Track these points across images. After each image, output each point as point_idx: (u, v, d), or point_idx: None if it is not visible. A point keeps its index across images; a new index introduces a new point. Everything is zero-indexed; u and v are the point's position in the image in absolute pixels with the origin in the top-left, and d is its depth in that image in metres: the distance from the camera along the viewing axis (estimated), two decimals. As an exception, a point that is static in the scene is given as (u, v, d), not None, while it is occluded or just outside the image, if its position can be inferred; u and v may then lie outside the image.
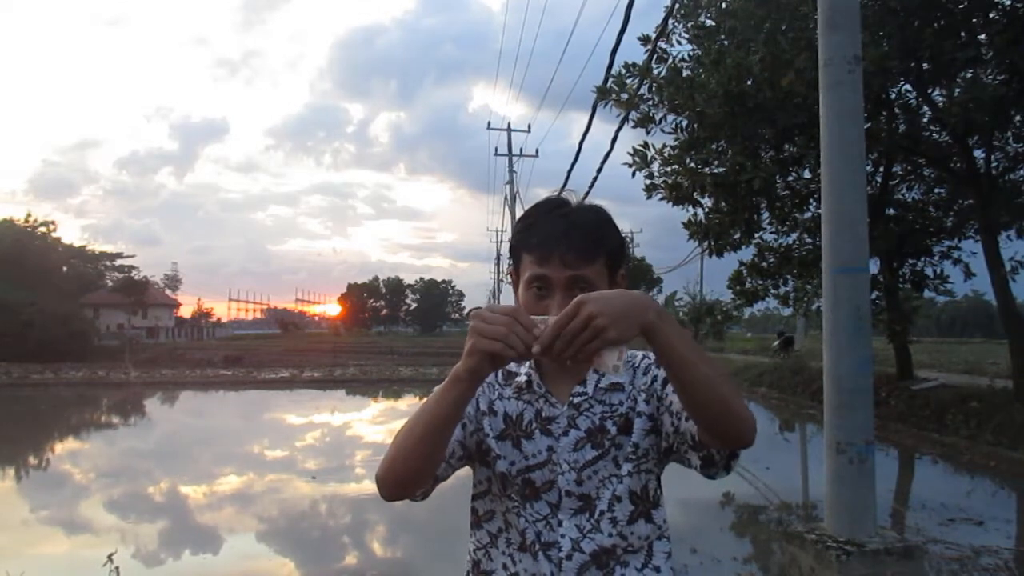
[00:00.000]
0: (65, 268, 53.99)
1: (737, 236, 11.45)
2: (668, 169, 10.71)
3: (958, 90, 8.95)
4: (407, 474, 1.17)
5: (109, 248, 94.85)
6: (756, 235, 12.06)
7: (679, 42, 10.23)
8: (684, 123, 10.25)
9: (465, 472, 1.34)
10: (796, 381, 17.24)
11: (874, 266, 11.63)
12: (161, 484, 9.24)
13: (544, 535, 1.23)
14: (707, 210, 11.17)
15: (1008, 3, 8.75)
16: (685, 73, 9.79)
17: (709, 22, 9.97)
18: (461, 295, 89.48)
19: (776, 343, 24.05)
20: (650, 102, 10.08)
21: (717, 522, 6.96)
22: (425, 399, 1.15)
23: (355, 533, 6.96)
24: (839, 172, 4.45)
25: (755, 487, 8.30)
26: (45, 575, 5.55)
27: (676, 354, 1.04)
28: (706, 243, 11.58)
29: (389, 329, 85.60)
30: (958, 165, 10.60)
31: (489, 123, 55.56)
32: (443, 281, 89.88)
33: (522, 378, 1.31)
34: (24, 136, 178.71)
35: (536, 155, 34.25)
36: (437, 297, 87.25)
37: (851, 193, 4.44)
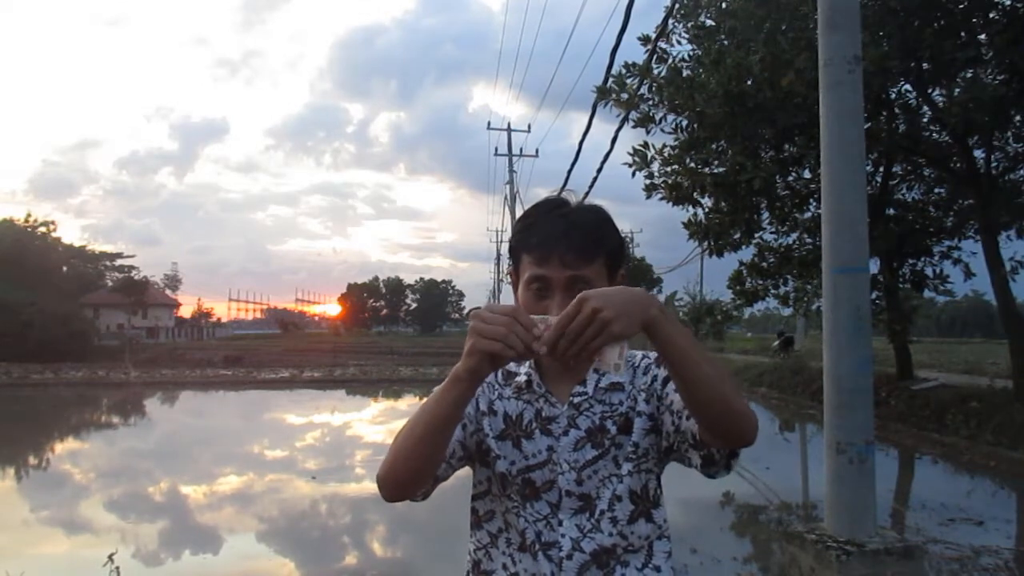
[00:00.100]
0: (65, 268, 54.00)
1: (737, 236, 11.45)
2: (668, 169, 10.71)
3: (958, 90, 8.95)
4: (408, 475, 1.17)
5: (109, 248, 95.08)
6: (756, 235, 12.06)
7: (679, 42, 10.24)
8: (684, 123, 10.25)
9: (465, 472, 1.34)
10: (796, 381, 17.23)
11: (874, 266, 11.63)
12: (161, 484, 9.24)
13: (544, 535, 1.23)
14: (707, 210, 11.17)
15: (1008, 3, 8.75)
16: (685, 73, 9.78)
17: (709, 22, 9.97)
18: (461, 295, 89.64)
19: (776, 343, 24.04)
20: (650, 102, 10.07)
21: (717, 522, 6.96)
22: (425, 399, 1.15)
23: (355, 533, 6.96)
24: (839, 172, 4.45)
25: (755, 487, 8.30)
26: (45, 575, 5.54)
27: (678, 350, 1.04)
28: (706, 243, 11.58)
29: (389, 329, 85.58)
30: (958, 165, 10.60)
31: (489, 123, 55.52)
32: (443, 281, 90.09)
33: (522, 378, 1.31)
34: (24, 136, 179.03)
35: (536, 155, 34.27)
36: (437, 297, 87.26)
37: (851, 193, 4.44)
